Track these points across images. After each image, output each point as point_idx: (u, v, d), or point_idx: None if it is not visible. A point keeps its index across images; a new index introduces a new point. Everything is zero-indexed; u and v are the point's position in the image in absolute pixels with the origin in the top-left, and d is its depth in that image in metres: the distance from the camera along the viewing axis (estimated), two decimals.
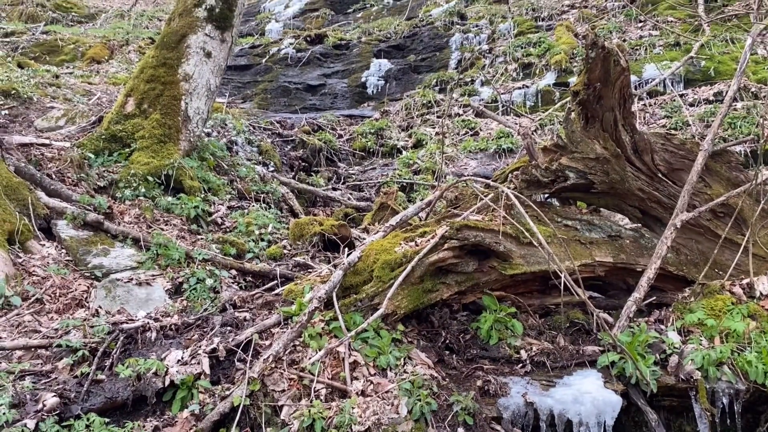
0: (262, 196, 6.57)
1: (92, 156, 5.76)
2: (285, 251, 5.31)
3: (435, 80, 11.81)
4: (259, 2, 19.63)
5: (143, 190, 5.48)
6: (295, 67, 13.46)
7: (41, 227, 4.58)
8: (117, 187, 5.46)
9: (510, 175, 4.50)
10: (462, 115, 10.42)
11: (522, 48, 11.54)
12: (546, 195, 4.32)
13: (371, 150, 9.87)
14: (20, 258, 4.12)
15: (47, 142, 5.94)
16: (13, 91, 7.44)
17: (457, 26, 13.46)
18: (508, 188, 4.04)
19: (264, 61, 13.88)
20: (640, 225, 4.34)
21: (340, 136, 10.36)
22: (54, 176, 5.24)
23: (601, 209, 4.41)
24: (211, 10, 6.48)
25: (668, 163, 4.17)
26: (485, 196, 4.03)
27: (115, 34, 14.94)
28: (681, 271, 4.09)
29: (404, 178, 8.23)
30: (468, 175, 8.13)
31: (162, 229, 5.10)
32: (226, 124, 8.25)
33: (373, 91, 12.64)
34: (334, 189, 8.29)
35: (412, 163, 8.84)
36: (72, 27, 16.88)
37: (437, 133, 9.90)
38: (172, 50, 6.35)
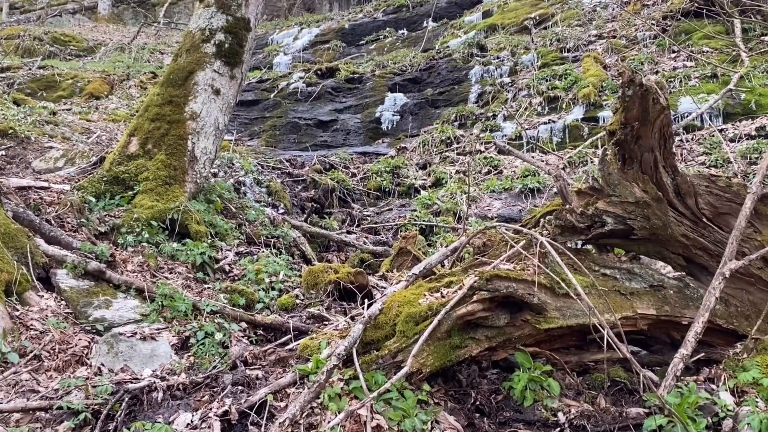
0: (273, 240, 6.61)
1: (93, 199, 5.84)
2: (298, 301, 5.31)
3: (454, 115, 11.95)
4: (267, 34, 20.06)
5: (147, 235, 5.53)
6: (305, 102, 13.68)
7: (40, 277, 4.62)
8: (119, 233, 5.52)
9: (542, 219, 4.50)
10: (484, 152, 10.49)
11: (547, 80, 11.67)
12: (581, 241, 4.31)
13: (387, 190, 9.94)
14: (17, 311, 4.15)
15: (46, 184, 6.05)
16: (10, 131, 7.60)
17: (477, 58, 13.67)
18: (541, 234, 4.03)
19: (272, 95, 14.12)
20: (684, 274, 4.30)
21: (354, 174, 10.46)
22: (53, 222, 5.32)
23: (642, 257, 4.39)
24: (220, 46, 6.64)
25: (713, 206, 4.16)
26: (516, 243, 4.03)
27: (115, 68, 15.32)
28: (731, 325, 4.04)
29: (423, 220, 8.25)
30: (492, 217, 8.15)
31: (166, 278, 5.13)
32: (233, 164, 8.36)
33: (388, 127, 12.79)
34: (349, 232, 8.32)
35: (431, 204, 8.88)
36: (70, 61, 17.34)
37: (458, 172, 9.96)
38: (179, 87, 6.49)
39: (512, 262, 4.05)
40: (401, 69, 14.45)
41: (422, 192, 9.58)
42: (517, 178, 9.29)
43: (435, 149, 11.02)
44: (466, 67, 13.48)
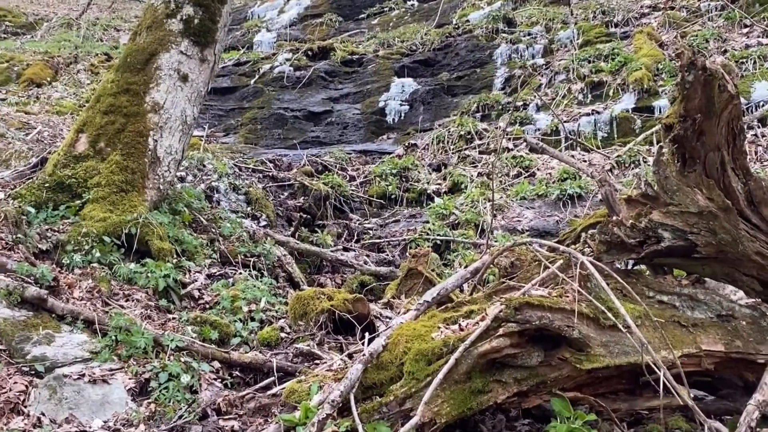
0: (252, 260, 6.63)
1: (32, 210, 5.86)
2: (283, 335, 5.33)
3: (475, 105, 11.98)
4: (246, 7, 20.15)
5: (98, 254, 5.55)
6: (292, 90, 13.74)
7: None
8: (64, 251, 5.53)
9: (583, 233, 4.50)
10: (512, 150, 10.51)
11: (590, 62, 11.70)
12: (632, 261, 4.30)
13: (393, 197, 9.97)
14: None
15: None
16: None
17: (504, 35, 13.71)
18: (582, 252, 4.03)
19: (252, 82, 14.19)
20: (759, 301, 4.29)
21: (352, 178, 10.50)
22: None
23: (707, 280, 4.37)
24: (189, 22, 6.68)
25: None
26: (552, 263, 4.02)
27: (60, 48, 15.41)
28: None
29: (438, 234, 8.26)
30: (522, 231, 8.15)
31: (122, 307, 5.14)
32: (204, 166, 8.40)
33: (394, 120, 12.83)
34: (346, 249, 8.34)
35: (447, 214, 8.90)
36: (5, 40, 17.45)
37: (480, 174, 9.97)
38: (138, 73, 6.53)
39: (547, 287, 4.05)
40: (410, 48, 14.50)
41: (436, 199, 9.59)
42: (554, 183, 9.30)
43: (452, 147, 11.04)
44: (490, 46, 13.51)
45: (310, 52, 14.90)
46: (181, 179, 7.66)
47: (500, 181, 9.72)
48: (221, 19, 6.91)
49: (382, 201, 9.96)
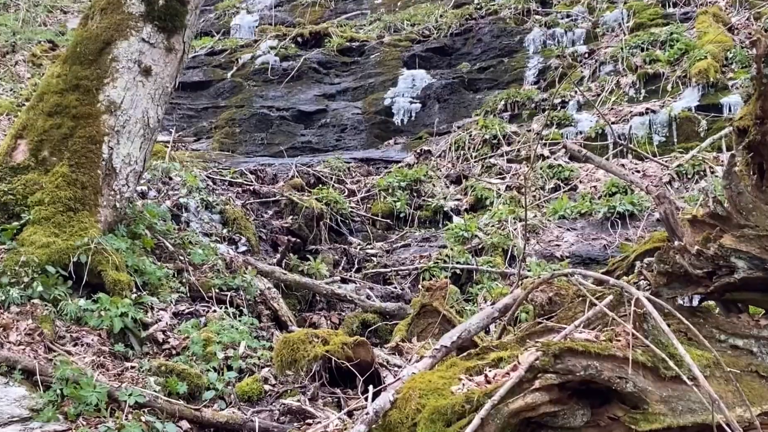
0: (229, 294, 6.62)
1: None
2: (267, 387, 5.31)
3: (503, 102, 12.01)
4: None
5: (40, 288, 5.53)
6: (278, 85, 13.80)
7: None
8: None
9: (638, 262, 4.47)
10: (549, 158, 10.49)
11: (643, 50, 11.72)
12: (699, 296, 4.29)
13: (402, 215, 9.97)
14: None
15: None
16: None
17: (537, 17, 13.77)
18: (637, 285, 4.01)
19: (230, 75, 14.25)
20: None
21: (352, 193, 10.50)
22: None
23: None
24: (152, 3, 6.69)
25: None
26: (599, 299, 4.00)
27: None
28: None
29: (458, 262, 8.23)
30: (562, 257, 8.12)
31: (69, 353, 5.13)
32: (170, 178, 8.41)
33: (402, 121, 12.86)
34: (344, 281, 8.33)
35: (469, 237, 8.87)
36: None
37: (509, 188, 9.96)
38: (90, 65, 6.53)
39: (593, 329, 4.03)
40: (422, 34, 14.55)
41: (455, 219, 9.58)
42: (600, 198, 9.27)
43: (474, 154, 11.05)
44: (520, 31, 13.57)
45: (300, 39, 14.96)
46: (143, 195, 7.67)
47: (534, 197, 9.70)
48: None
49: (388, 221, 9.95)
